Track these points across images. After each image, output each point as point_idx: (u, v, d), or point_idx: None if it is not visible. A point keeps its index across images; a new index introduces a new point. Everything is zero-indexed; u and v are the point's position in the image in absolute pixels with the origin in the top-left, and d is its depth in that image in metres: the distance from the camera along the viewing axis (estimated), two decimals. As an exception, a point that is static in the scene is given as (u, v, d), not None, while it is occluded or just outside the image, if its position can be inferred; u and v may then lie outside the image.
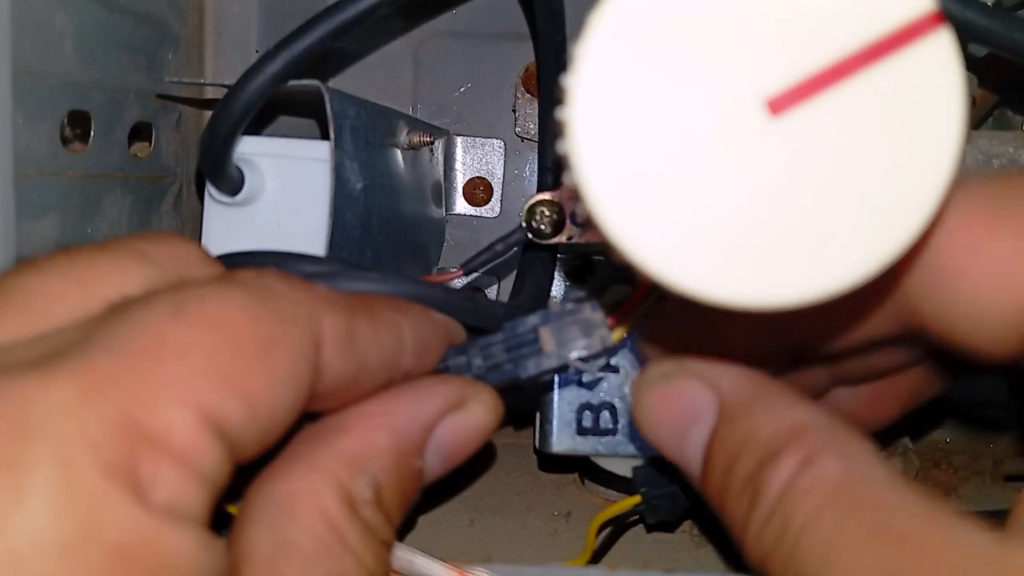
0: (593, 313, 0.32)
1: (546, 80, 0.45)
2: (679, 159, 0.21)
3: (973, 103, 0.44)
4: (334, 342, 0.23)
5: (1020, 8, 0.49)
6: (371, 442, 0.25)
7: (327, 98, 0.36)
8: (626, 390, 0.41)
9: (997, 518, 0.39)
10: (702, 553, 0.41)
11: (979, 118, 0.46)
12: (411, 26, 0.58)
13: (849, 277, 0.21)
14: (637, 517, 0.39)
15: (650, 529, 0.42)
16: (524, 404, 0.47)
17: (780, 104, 0.20)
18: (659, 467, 0.39)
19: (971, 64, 0.43)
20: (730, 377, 0.25)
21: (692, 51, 0.21)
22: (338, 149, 0.37)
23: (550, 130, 0.48)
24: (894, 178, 0.21)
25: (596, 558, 0.38)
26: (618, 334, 0.32)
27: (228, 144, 0.36)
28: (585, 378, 0.41)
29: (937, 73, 0.20)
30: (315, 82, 0.37)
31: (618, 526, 0.40)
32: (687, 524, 0.43)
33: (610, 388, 0.41)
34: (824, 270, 0.21)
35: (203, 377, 0.20)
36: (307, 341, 0.22)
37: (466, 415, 0.27)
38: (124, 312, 0.20)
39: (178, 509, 0.19)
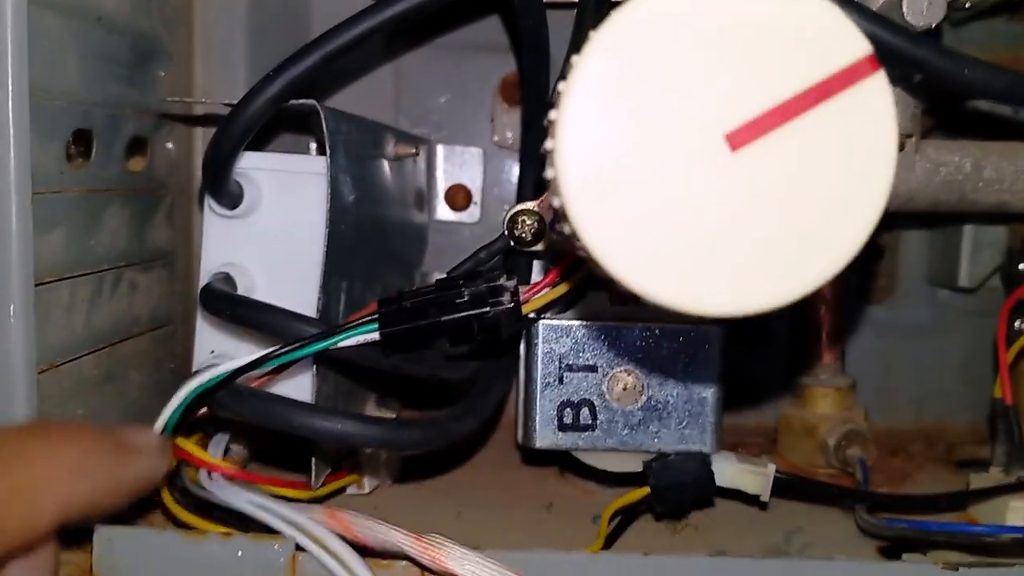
0: (507, 281, 0.35)
1: (527, 100, 0.48)
2: (654, 187, 0.24)
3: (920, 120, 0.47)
4: None
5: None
6: None
7: (323, 117, 0.39)
8: (604, 388, 0.44)
9: (949, 500, 0.43)
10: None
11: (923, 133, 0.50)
12: (394, 47, 0.60)
13: (799, 288, 0.24)
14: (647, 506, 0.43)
15: (658, 518, 0.45)
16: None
17: (738, 139, 0.23)
18: (669, 462, 0.43)
19: (917, 87, 0.46)
20: None
21: (664, 91, 0.24)
22: (333, 164, 0.39)
23: (530, 148, 0.51)
24: (839, 201, 0.24)
25: (609, 543, 0.41)
26: (529, 307, 0.37)
27: (229, 162, 0.39)
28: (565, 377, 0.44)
29: (874, 109, 0.23)
30: (311, 101, 0.39)
31: (629, 515, 0.43)
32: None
33: (589, 386, 0.44)
34: (777, 283, 0.24)
35: None
36: None
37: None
38: None
39: None
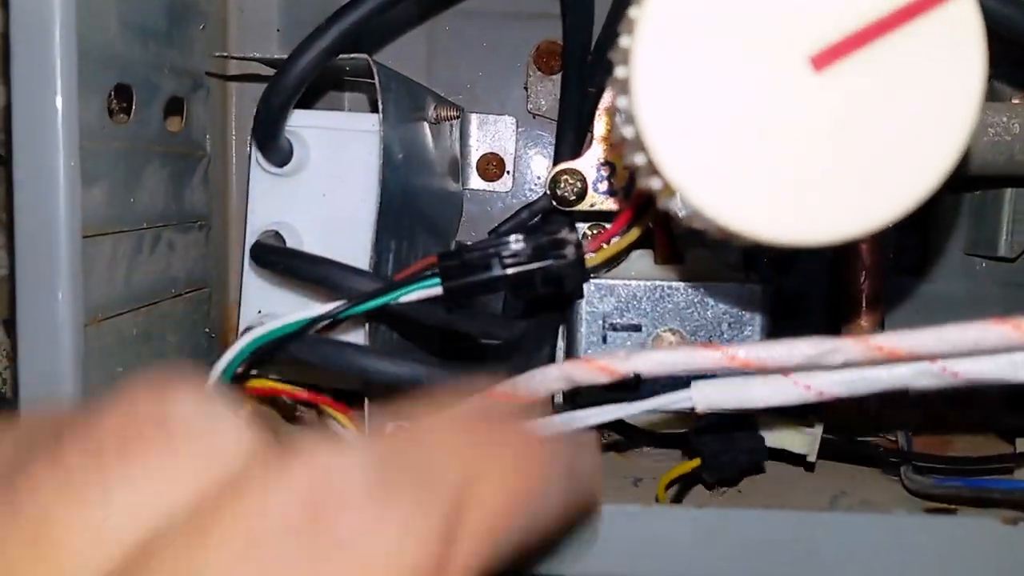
0: (569, 234, 0.34)
1: (568, 58, 0.48)
2: (733, 109, 0.23)
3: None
4: None
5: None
6: None
7: (375, 71, 0.38)
8: (648, 347, 0.43)
9: (1000, 461, 0.43)
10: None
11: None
12: (428, 13, 0.60)
13: (882, 216, 0.24)
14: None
15: (710, 487, 0.45)
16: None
17: (822, 60, 0.23)
18: (718, 431, 0.42)
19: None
20: None
21: (745, 10, 0.23)
22: (384, 120, 0.39)
23: (568, 109, 0.50)
24: (924, 125, 0.23)
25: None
26: (593, 260, 0.36)
27: (281, 116, 0.38)
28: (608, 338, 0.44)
29: (961, 31, 0.23)
30: (364, 56, 0.39)
31: (683, 484, 0.43)
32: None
33: (632, 346, 0.43)
34: (859, 210, 0.24)
35: None
36: None
37: None
38: None
39: None
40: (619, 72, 0.25)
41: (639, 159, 0.25)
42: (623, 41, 0.25)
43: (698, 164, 0.23)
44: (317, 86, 0.54)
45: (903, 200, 0.24)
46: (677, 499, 0.44)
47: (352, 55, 0.39)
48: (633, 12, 0.24)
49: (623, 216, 0.36)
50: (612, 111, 0.25)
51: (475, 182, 0.61)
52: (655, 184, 0.25)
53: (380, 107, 0.38)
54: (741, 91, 0.23)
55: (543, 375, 0.27)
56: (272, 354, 0.33)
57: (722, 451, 0.42)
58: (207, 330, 0.53)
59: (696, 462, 0.43)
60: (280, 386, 0.36)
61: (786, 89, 0.23)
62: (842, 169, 0.24)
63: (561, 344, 0.47)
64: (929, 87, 0.23)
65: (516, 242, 0.33)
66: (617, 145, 0.29)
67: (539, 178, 0.62)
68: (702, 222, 0.25)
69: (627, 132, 0.25)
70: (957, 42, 0.23)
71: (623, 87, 0.24)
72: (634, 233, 0.36)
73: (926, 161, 0.23)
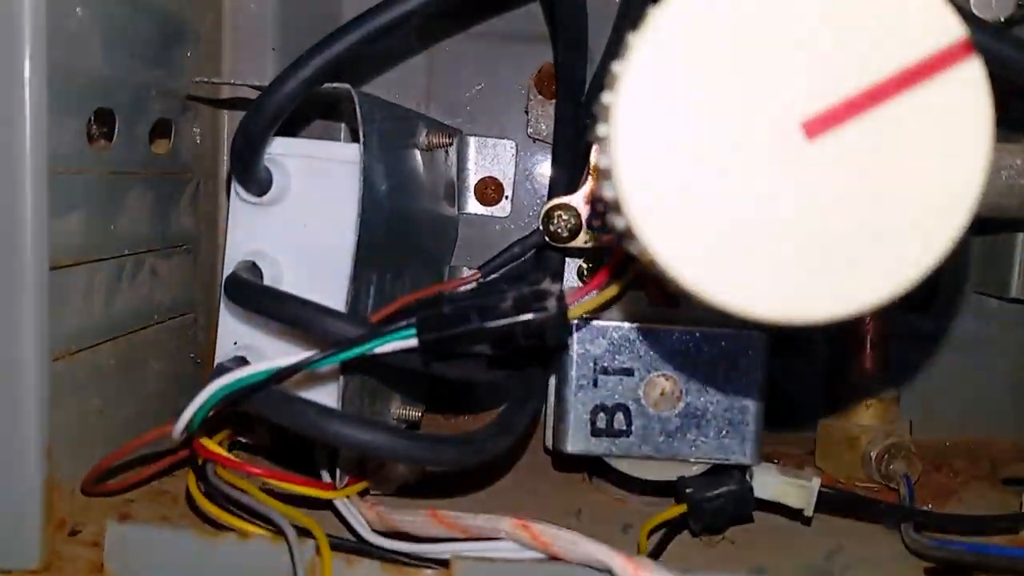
0: (551, 285, 0.33)
1: (562, 92, 0.47)
2: (720, 179, 0.22)
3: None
4: None
5: None
6: None
7: (357, 102, 0.37)
8: (640, 393, 0.42)
9: (1005, 522, 0.41)
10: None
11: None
12: (428, 36, 0.59)
13: (881, 294, 0.22)
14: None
15: (695, 534, 0.43)
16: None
17: (815, 127, 0.21)
18: (706, 479, 0.41)
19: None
20: None
21: (734, 72, 0.21)
22: (366, 152, 0.37)
23: (563, 142, 0.49)
24: (926, 197, 0.21)
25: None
26: (575, 311, 0.34)
27: (259, 146, 0.37)
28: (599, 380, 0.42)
29: (967, 98, 0.21)
30: (346, 86, 0.37)
31: (670, 531, 0.41)
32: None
33: (624, 391, 0.42)
34: (856, 287, 0.22)
35: None
36: None
37: None
38: None
39: None
40: (600, 130, 0.23)
41: (620, 222, 0.23)
42: (605, 97, 0.23)
43: (680, 236, 0.22)
44: (308, 113, 0.52)
45: (906, 275, 0.22)
46: (662, 545, 0.42)
47: (334, 85, 0.37)
48: (616, 67, 0.22)
49: (601, 274, 0.34)
50: (594, 170, 0.24)
51: (473, 206, 0.60)
52: (635, 250, 0.23)
53: (361, 138, 0.37)
54: (729, 159, 0.21)
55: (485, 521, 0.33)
56: (241, 401, 0.32)
57: (707, 500, 0.40)
58: (192, 355, 0.52)
59: (682, 508, 0.41)
60: (232, 460, 0.35)
61: (777, 158, 0.21)
62: (839, 243, 0.22)
63: (552, 381, 0.46)
64: (931, 158, 0.21)
65: (496, 293, 0.32)
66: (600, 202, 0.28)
67: (539, 203, 0.60)
68: (687, 292, 0.23)
69: (607, 192, 0.23)
70: (962, 111, 0.21)
71: (605, 146, 0.23)
72: (613, 289, 0.34)
73: (929, 234, 0.22)
